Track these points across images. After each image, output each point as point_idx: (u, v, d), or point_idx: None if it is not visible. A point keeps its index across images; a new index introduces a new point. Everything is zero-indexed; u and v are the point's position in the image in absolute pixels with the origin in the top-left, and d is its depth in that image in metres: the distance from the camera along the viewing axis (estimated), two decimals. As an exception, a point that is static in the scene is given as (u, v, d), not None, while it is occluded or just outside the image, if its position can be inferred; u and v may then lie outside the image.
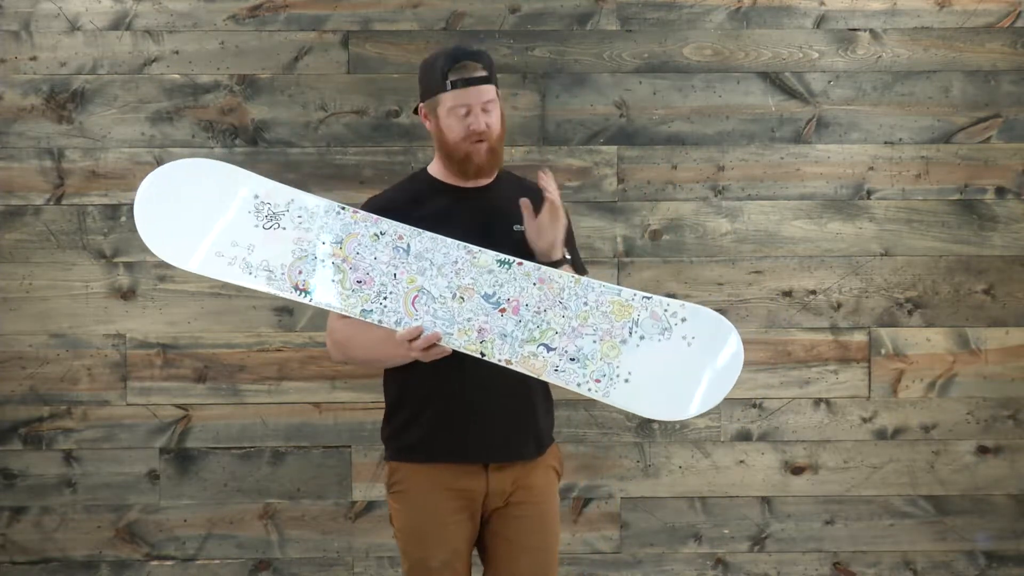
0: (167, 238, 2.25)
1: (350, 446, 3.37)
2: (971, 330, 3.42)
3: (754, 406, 3.40)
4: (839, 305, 3.40)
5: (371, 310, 2.21)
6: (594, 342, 2.19)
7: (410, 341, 2.18)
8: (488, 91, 2.30)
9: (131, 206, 3.30)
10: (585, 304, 2.20)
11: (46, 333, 3.35)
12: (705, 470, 3.41)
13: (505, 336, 2.19)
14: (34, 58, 3.33)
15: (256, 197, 2.26)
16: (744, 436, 3.40)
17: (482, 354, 2.19)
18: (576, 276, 2.24)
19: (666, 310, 2.20)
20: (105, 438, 3.35)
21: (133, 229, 3.30)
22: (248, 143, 3.34)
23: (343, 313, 2.22)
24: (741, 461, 3.41)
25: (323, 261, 2.23)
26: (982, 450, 3.43)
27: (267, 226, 2.24)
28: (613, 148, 3.38)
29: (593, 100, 3.37)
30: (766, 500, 3.42)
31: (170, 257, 2.25)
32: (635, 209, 3.37)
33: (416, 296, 2.20)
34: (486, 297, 2.20)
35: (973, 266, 3.42)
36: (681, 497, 3.41)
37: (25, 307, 3.34)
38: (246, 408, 3.36)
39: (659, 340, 2.19)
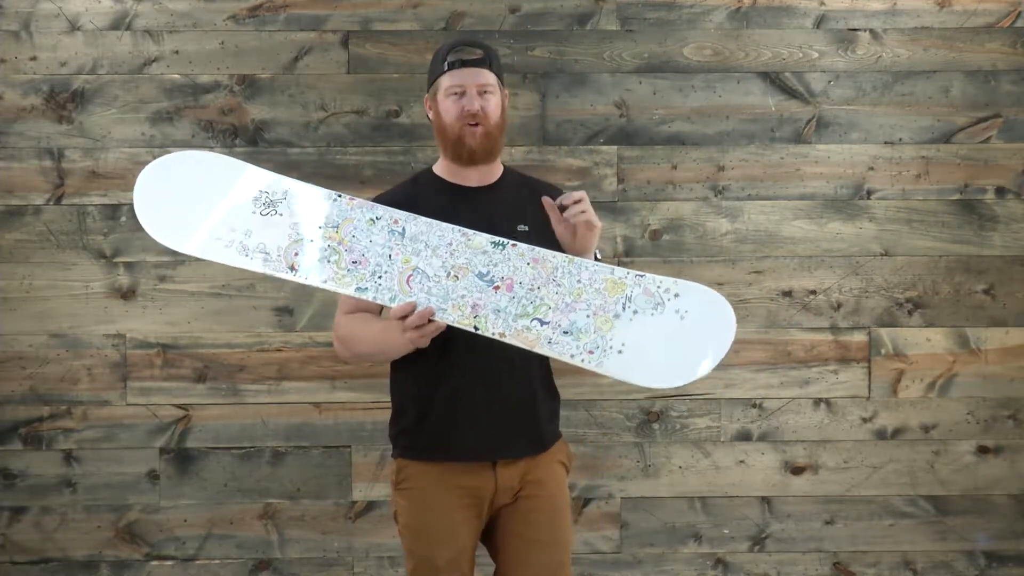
0: (166, 223, 2.29)
1: (350, 446, 3.37)
2: (971, 330, 3.42)
3: (754, 406, 3.40)
4: (839, 305, 3.40)
5: (366, 288, 2.23)
6: (587, 316, 2.20)
7: (404, 318, 2.17)
8: (485, 75, 2.30)
9: (131, 206, 3.33)
10: (579, 282, 2.22)
11: (46, 333, 3.35)
12: (705, 470, 3.41)
13: (499, 311, 2.20)
14: (34, 58, 3.33)
15: (255, 188, 2.30)
16: (744, 436, 3.40)
17: (476, 328, 2.20)
18: (569, 256, 2.24)
19: (659, 286, 2.21)
20: (105, 438, 3.35)
21: (133, 229, 3.34)
22: (248, 143, 3.34)
23: (337, 291, 2.24)
24: (741, 461, 3.41)
25: (319, 243, 2.25)
26: (982, 450, 3.43)
27: (264, 213, 2.27)
28: (613, 148, 3.38)
29: (593, 100, 3.37)
30: (766, 500, 3.42)
31: (168, 240, 2.28)
32: (635, 209, 3.37)
33: (410, 275, 2.22)
34: (480, 275, 2.22)
35: (973, 266, 3.42)
36: (681, 497, 3.41)
37: (25, 307, 3.34)
38: (246, 408, 3.36)
39: (652, 314, 2.20)
